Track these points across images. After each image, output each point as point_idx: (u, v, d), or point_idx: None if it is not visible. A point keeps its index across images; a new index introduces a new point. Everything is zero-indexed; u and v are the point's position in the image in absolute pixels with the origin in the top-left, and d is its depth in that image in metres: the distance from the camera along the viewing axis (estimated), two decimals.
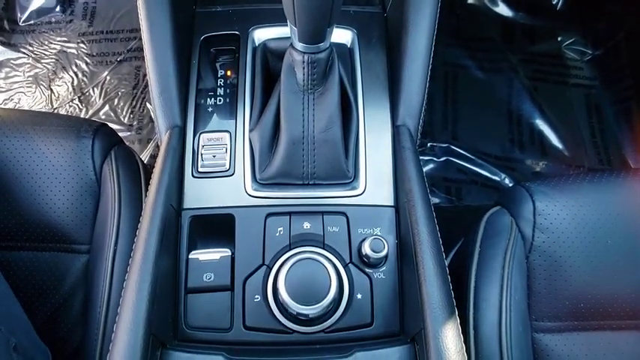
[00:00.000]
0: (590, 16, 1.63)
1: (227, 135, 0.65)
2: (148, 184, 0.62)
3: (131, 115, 1.52)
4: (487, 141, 1.46)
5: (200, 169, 0.63)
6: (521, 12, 1.65)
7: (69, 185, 0.73)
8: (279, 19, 0.72)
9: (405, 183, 0.59)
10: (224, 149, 0.64)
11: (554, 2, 1.67)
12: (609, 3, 1.59)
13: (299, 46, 0.53)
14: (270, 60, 0.73)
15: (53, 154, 0.73)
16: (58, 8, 1.70)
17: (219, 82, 0.70)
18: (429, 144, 1.45)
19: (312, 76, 0.57)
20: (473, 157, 1.43)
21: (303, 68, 0.55)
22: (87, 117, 1.51)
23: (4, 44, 1.65)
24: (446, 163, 1.43)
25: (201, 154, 0.64)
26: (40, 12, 1.70)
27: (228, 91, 0.69)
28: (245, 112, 0.66)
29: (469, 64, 1.55)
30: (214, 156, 0.63)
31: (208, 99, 0.68)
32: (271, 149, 0.63)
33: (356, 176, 0.63)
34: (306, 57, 0.54)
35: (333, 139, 0.60)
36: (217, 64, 0.73)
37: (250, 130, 0.64)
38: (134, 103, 1.53)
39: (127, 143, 0.86)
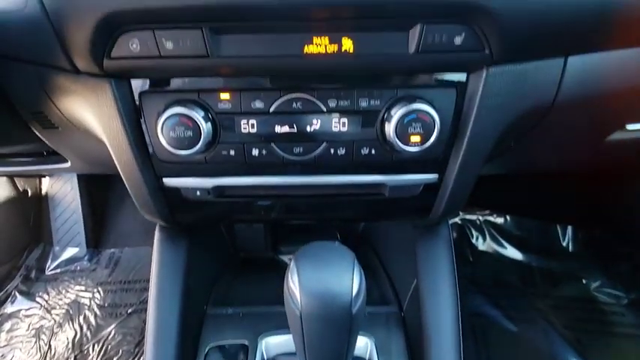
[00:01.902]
0: (607, 258, 1.61)
1: None
2: None
3: None
4: None
5: None
6: (533, 255, 1.66)
7: None
8: None
9: None
10: None
11: (564, 244, 1.69)
12: (622, 245, 1.59)
13: None
14: None
15: None
16: (86, 257, 1.80)
17: None
18: None
19: None
20: None
21: None
22: None
23: (22, 293, 1.68)
24: None
25: None
26: (69, 261, 1.80)
27: None
28: None
29: (495, 314, 1.44)
30: None
31: None
32: None
33: None
34: None
35: None
36: None
37: None
38: None
39: None
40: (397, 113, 0.59)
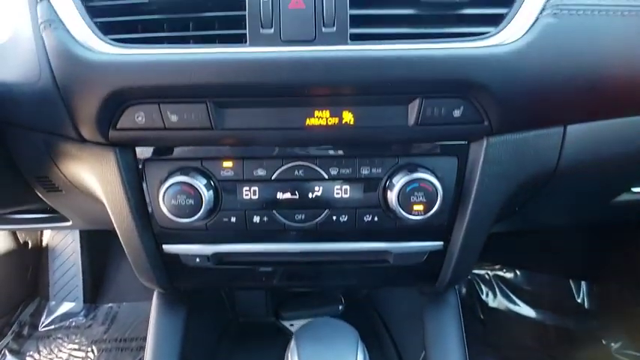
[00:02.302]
0: (627, 316, 1.53)
1: None
2: None
3: None
4: None
5: None
6: (547, 312, 1.58)
7: None
8: None
9: None
10: None
11: (579, 300, 1.62)
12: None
13: None
14: None
15: None
16: (82, 312, 1.75)
17: None
18: None
19: None
20: None
21: None
22: None
23: (12, 352, 1.60)
24: None
25: None
26: (64, 316, 1.74)
27: None
28: None
29: None
30: None
31: None
32: None
33: None
34: None
35: None
36: None
37: None
38: None
39: None
40: (399, 182, 0.59)
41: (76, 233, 1.82)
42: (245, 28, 0.51)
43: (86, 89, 0.55)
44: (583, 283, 1.66)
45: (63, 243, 1.86)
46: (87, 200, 0.76)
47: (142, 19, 0.53)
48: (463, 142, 0.61)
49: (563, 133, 0.61)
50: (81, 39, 0.53)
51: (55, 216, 0.92)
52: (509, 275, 1.73)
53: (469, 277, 1.75)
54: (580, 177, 0.68)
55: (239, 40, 0.51)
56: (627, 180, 0.72)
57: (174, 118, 0.56)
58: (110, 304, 1.74)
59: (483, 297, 1.70)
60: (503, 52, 0.50)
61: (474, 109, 0.55)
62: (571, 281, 1.67)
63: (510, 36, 0.50)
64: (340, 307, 0.89)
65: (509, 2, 0.51)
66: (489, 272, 1.76)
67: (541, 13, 0.50)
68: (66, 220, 0.93)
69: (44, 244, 1.88)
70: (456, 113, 0.55)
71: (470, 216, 0.64)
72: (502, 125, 0.57)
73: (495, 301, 1.68)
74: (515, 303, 1.63)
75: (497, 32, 0.51)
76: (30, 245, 1.83)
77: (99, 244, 1.84)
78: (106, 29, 0.53)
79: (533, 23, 0.50)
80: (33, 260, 1.83)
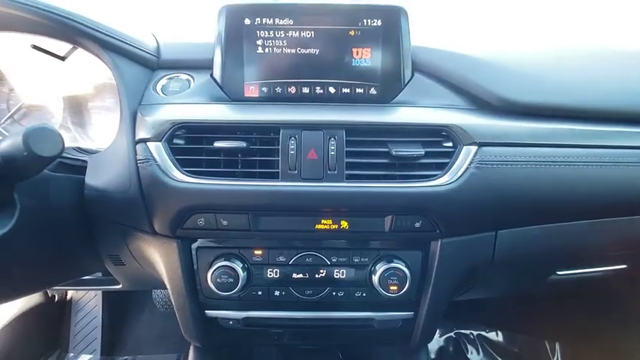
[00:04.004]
0: None
1: None
2: None
3: None
4: None
5: None
6: None
7: None
8: None
9: None
10: None
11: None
12: None
13: None
14: None
15: None
16: None
17: None
18: None
19: None
20: None
21: None
22: None
23: None
24: None
25: None
26: None
27: None
28: None
29: None
30: None
31: None
32: None
33: None
34: None
35: None
36: None
37: None
38: None
39: None
40: (380, 268, 0.84)
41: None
42: (278, 169, 0.78)
43: (167, 204, 0.81)
44: (557, 344, 1.84)
45: (86, 297, 2.04)
46: (140, 270, 0.99)
47: (206, 159, 0.80)
48: (425, 242, 0.87)
49: (495, 236, 0.87)
50: (167, 171, 0.79)
51: (109, 279, 1.15)
52: (491, 335, 1.91)
53: (455, 336, 1.93)
54: (514, 265, 0.93)
55: (273, 176, 0.79)
56: (552, 266, 0.97)
57: (224, 222, 0.82)
58: (126, 357, 1.89)
59: (468, 355, 1.87)
60: (445, 190, 0.77)
61: (429, 222, 0.81)
62: (546, 342, 1.85)
63: (450, 179, 0.78)
64: None
65: (450, 155, 0.79)
66: (473, 332, 1.94)
67: (469, 165, 0.78)
68: (117, 283, 1.15)
69: (69, 297, 2.06)
70: (417, 225, 0.81)
71: (431, 293, 0.88)
72: (449, 232, 0.83)
73: (479, 358, 1.85)
74: None
75: (442, 175, 0.78)
76: (56, 299, 2.01)
77: (118, 300, 2.02)
78: (183, 164, 0.80)
79: (464, 172, 0.77)
80: (57, 313, 2.00)
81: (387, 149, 0.78)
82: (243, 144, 0.78)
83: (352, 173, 0.78)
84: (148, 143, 0.79)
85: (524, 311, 1.82)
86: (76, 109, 1.04)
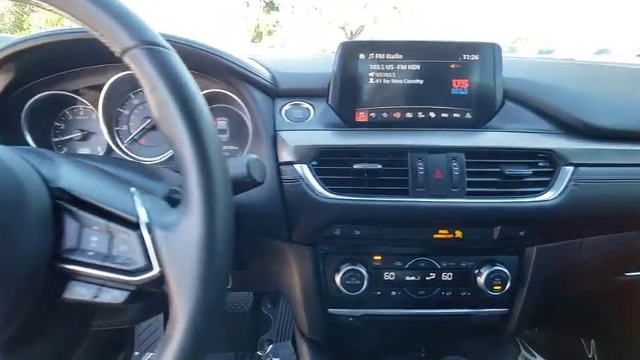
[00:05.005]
0: None
1: None
2: None
3: None
4: None
5: None
6: None
7: None
8: None
9: None
10: None
11: (590, 356, 1.93)
12: None
13: None
14: None
15: None
16: None
17: None
18: None
19: None
20: None
21: None
22: None
23: None
24: None
25: None
26: None
27: None
28: None
29: None
30: None
31: None
32: None
33: None
34: None
35: None
36: None
37: None
38: None
39: None
40: (485, 271, 0.99)
41: None
42: (408, 186, 0.93)
43: (312, 217, 0.94)
44: (593, 341, 1.98)
45: None
46: (256, 274, 1.13)
47: (346, 179, 0.94)
48: (521, 248, 1.02)
49: (581, 242, 1.02)
50: (314, 189, 0.91)
51: None
52: (528, 332, 2.06)
53: None
54: (594, 268, 1.08)
55: (404, 193, 0.93)
56: (625, 268, 1.14)
57: (357, 232, 0.96)
58: None
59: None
60: (549, 204, 0.92)
61: (531, 232, 0.96)
62: (582, 340, 1.99)
63: (551, 196, 0.93)
64: (422, 355, 1.27)
65: (550, 175, 0.94)
66: None
67: (569, 183, 0.93)
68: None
69: None
70: (521, 233, 0.96)
71: (526, 292, 1.03)
72: (544, 240, 0.99)
73: (520, 355, 1.99)
74: (533, 355, 1.93)
75: (546, 192, 0.93)
76: None
77: None
78: (326, 183, 0.93)
79: (564, 189, 0.93)
80: None
81: (499, 169, 0.93)
82: (378, 165, 0.92)
83: (471, 190, 0.93)
84: (294, 165, 0.93)
85: (561, 309, 1.96)
86: None
